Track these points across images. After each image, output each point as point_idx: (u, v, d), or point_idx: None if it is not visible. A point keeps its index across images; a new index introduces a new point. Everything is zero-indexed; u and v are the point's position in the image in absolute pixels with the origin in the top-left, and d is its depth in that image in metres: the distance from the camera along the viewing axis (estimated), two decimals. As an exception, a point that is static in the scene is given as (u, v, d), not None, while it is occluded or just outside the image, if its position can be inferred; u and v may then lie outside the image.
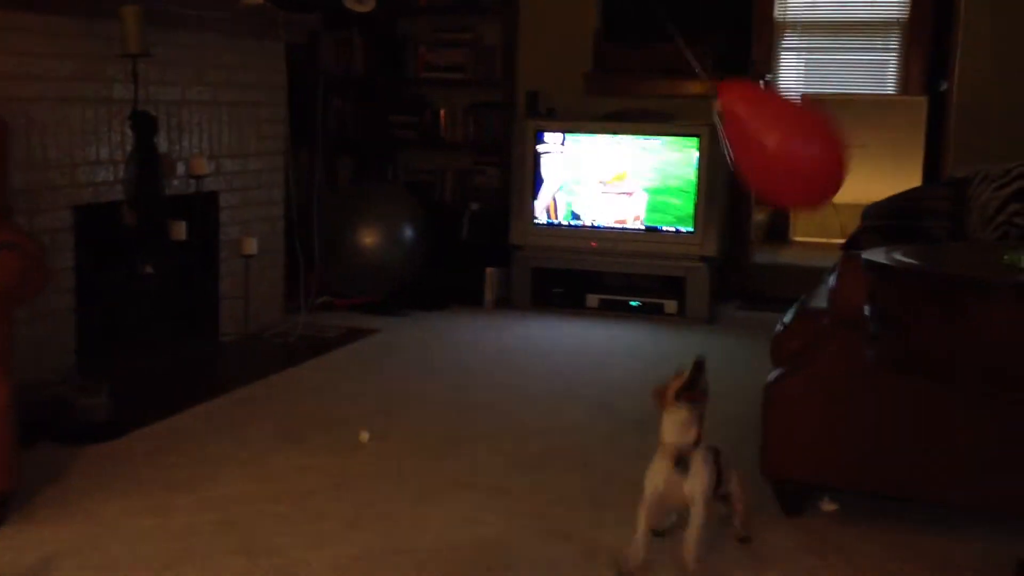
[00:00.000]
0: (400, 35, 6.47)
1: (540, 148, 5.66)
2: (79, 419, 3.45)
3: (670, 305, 5.51)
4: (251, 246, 4.77)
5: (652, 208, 5.53)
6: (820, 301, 3.08)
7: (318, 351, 4.65)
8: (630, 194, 5.56)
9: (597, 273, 5.69)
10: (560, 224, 5.67)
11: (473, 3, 6.28)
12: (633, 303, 5.57)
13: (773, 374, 3.03)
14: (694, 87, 6.02)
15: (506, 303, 5.74)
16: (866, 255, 2.46)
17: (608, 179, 5.59)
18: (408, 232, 5.59)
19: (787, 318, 3.22)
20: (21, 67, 3.67)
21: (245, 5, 4.66)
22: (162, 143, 4.16)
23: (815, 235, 6.84)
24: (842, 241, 3.83)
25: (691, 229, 5.46)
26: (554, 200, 5.68)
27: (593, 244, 5.61)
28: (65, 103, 3.85)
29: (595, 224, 5.62)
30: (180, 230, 4.29)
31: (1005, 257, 2.35)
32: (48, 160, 3.79)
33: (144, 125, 3.90)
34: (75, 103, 3.89)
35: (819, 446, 2.91)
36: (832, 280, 2.95)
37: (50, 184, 3.80)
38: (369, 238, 5.49)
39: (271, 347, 4.73)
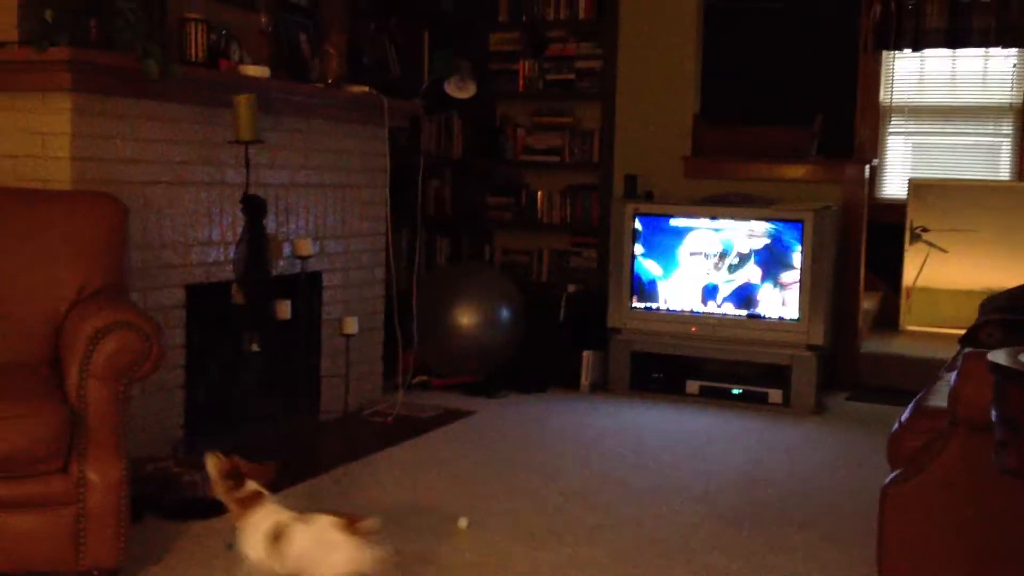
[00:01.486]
0: (499, 119, 6.56)
1: (637, 230, 5.63)
2: (184, 495, 3.48)
3: (774, 394, 5.38)
4: (352, 325, 4.82)
5: (756, 294, 5.44)
6: (940, 399, 2.96)
7: (415, 431, 4.64)
8: (732, 279, 5.49)
9: (697, 359, 5.59)
10: (659, 308, 5.61)
11: (571, 88, 6.34)
12: (735, 391, 5.46)
13: (890, 475, 2.92)
14: (796, 170, 5.97)
15: (603, 387, 5.68)
16: (991, 356, 2.36)
17: (709, 263, 5.53)
18: (504, 313, 5.59)
19: (904, 415, 3.10)
20: (139, 152, 3.79)
21: (351, 92, 4.77)
22: (270, 225, 4.25)
23: (926, 324, 6.64)
24: (958, 333, 3.71)
25: (797, 316, 5.35)
26: (653, 283, 5.63)
27: (693, 329, 5.53)
28: (179, 186, 3.97)
29: (695, 309, 5.55)
30: (285, 309, 4.36)
31: None
32: (163, 240, 3.90)
33: (254, 208, 3.99)
34: (189, 186, 4.01)
35: (940, 553, 2.78)
36: (953, 378, 2.84)
37: (164, 263, 3.90)
38: (466, 318, 5.51)
39: (369, 426, 4.74)
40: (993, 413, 2.35)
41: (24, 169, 3.54)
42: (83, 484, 2.74)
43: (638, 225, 5.63)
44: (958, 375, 2.80)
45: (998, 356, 2.37)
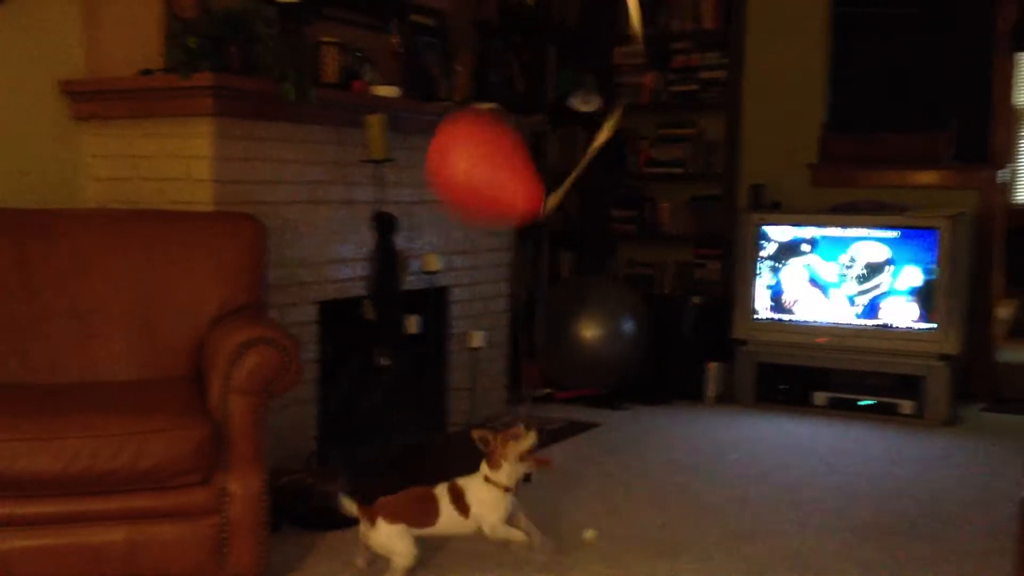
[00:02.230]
0: (622, 131, 6.57)
1: (763, 240, 5.58)
2: (318, 505, 3.56)
3: (905, 405, 5.25)
4: (478, 339, 4.91)
5: (886, 303, 5.33)
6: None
7: (540, 444, 4.66)
8: (862, 288, 5.39)
9: (824, 370, 5.50)
10: (786, 319, 5.54)
11: (695, 99, 6.33)
12: (865, 402, 5.34)
13: (1030, 488, 2.84)
14: (927, 177, 5.82)
15: (728, 398, 5.64)
16: None
17: (837, 273, 5.44)
18: (628, 325, 5.60)
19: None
20: (275, 173, 3.94)
21: (478, 109, 4.85)
22: (399, 241, 4.36)
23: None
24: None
25: (932, 325, 5.21)
26: (779, 294, 5.57)
27: (821, 340, 5.45)
28: (314, 205, 4.10)
29: (823, 320, 5.46)
30: (414, 324, 4.47)
31: None
32: (298, 258, 4.03)
33: (385, 225, 4.11)
34: (322, 205, 4.14)
35: (1084, 569, 2.68)
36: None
37: (299, 280, 4.04)
38: (590, 331, 5.54)
39: (496, 438, 4.81)
40: None
41: (170, 192, 3.73)
42: (225, 495, 2.84)
43: (764, 235, 5.58)
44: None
45: None
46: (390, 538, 3.04)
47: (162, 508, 2.80)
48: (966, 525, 3.67)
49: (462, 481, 3.16)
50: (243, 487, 2.85)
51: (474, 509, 3.10)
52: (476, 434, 3.16)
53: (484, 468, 3.14)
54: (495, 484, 3.11)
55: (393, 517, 3.05)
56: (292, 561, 3.21)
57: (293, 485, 3.62)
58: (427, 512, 3.10)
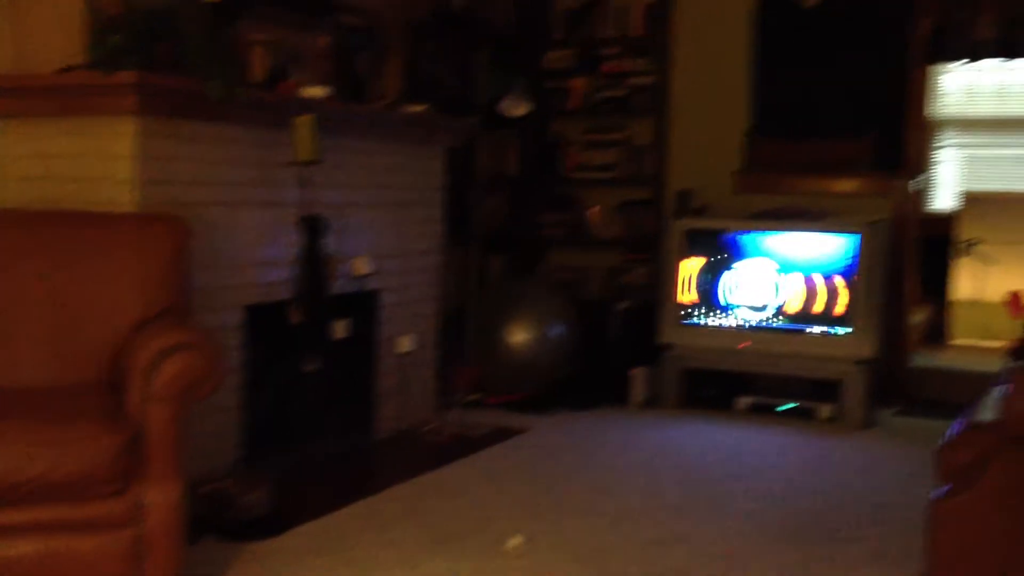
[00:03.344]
0: (552, 136, 6.62)
1: (689, 246, 5.65)
2: (240, 515, 3.52)
3: (824, 409, 5.37)
4: (407, 344, 4.90)
5: (807, 308, 5.44)
6: (988, 413, 2.96)
7: (468, 450, 4.69)
8: (783, 293, 5.49)
9: (748, 374, 5.60)
10: (710, 324, 5.63)
11: (624, 104, 6.39)
12: (784, 407, 5.45)
13: (940, 490, 2.92)
14: (847, 184, 5.96)
15: (654, 403, 5.71)
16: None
17: (760, 278, 5.54)
18: (557, 329, 5.64)
19: (953, 429, 3.10)
20: (202, 174, 3.88)
21: (408, 112, 4.86)
22: (328, 244, 4.32)
23: (975, 337, 6.59)
24: (1006, 346, 3.70)
25: (848, 330, 5.34)
26: (704, 299, 5.65)
27: (743, 345, 5.54)
28: (240, 207, 4.05)
29: (746, 324, 5.56)
30: (343, 328, 4.44)
31: None
32: (223, 261, 3.97)
33: (313, 228, 4.07)
34: (249, 207, 4.09)
35: (991, 568, 2.77)
36: (1001, 392, 2.84)
37: (224, 284, 3.98)
38: (519, 335, 5.57)
39: (423, 445, 4.80)
40: (1042, 429, 2.36)
41: (92, 192, 3.64)
42: (142, 506, 2.77)
43: (690, 240, 5.66)
44: (1010, 389, 2.81)
45: (1047, 372, 2.38)
46: None
47: (77, 520, 2.72)
48: (880, 527, 3.77)
49: None
50: (161, 497, 2.79)
51: None
52: None
53: None
54: None
55: None
56: (211, 573, 3.17)
57: (215, 494, 3.56)
58: None
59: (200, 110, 3.79)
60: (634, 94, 6.37)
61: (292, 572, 3.21)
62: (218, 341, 3.07)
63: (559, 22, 6.55)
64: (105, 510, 2.74)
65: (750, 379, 5.61)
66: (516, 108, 5.91)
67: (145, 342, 2.93)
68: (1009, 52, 6.32)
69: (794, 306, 5.47)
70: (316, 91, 4.31)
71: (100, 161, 3.64)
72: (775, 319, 5.50)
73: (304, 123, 3.98)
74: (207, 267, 3.89)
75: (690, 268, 5.66)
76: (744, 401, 5.55)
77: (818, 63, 6.48)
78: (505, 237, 6.48)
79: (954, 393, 5.13)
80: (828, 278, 5.40)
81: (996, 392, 2.97)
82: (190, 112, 3.78)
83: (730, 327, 5.58)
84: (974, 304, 6.67)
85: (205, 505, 3.49)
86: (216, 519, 3.48)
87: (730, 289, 5.61)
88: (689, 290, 5.66)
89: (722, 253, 5.62)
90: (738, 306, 5.57)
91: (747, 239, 5.58)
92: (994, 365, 4.34)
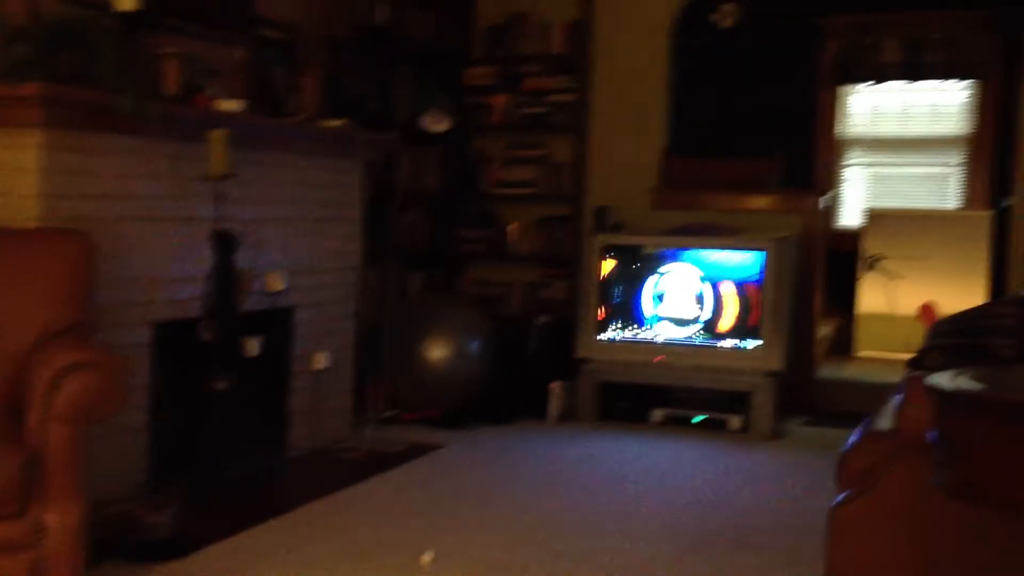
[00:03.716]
0: (473, 152, 6.66)
1: (607, 262, 5.72)
2: (146, 537, 3.45)
3: (735, 420, 5.48)
4: (322, 361, 4.86)
5: (718, 322, 5.54)
6: (886, 421, 3.05)
7: (384, 467, 4.66)
8: (697, 308, 5.59)
9: (662, 387, 5.68)
10: (625, 338, 5.70)
11: (544, 121, 6.46)
12: (696, 418, 5.55)
13: (838, 497, 3.00)
14: (759, 201, 6.09)
15: (571, 416, 5.75)
16: (930, 380, 2.45)
17: (674, 293, 5.63)
18: (475, 345, 5.66)
19: (852, 438, 3.19)
20: (111, 188, 3.80)
21: (327, 126, 4.84)
22: (241, 260, 4.26)
23: (880, 349, 6.77)
24: (907, 357, 3.80)
25: (757, 343, 5.45)
26: (619, 313, 5.72)
27: (657, 359, 5.62)
28: (151, 222, 3.98)
29: (660, 339, 5.64)
30: (254, 346, 4.39)
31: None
32: (129, 277, 3.89)
33: (225, 244, 4.02)
34: (160, 222, 4.02)
35: (886, 572, 2.85)
36: (897, 401, 2.93)
37: (132, 301, 3.90)
38: (437, 351, 5.57)
39: (338, 463, 4.76)
40: (932, 434, 2.43)
41: (-7, 207, 3.55)
42: (41, 529, 2.70)
43: (607, 256, 5.73)
44: (902, 398, 2.90)
45: (936, 379, 2.46)
46: None
47: (-28, 543, 2.65)
48: (786, 534, 3.84)
49: None
50: (61, 519, 2.72)
51: None
52: None
53: None
54: None
55: None
56: (116, 595, 3.12)
57: (120, 516, 3.48)
58: None
59: (109, 123, 3.72)
60: (554, 111, 6.44)
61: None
62: (123, 359, 3.01)
63: (481, 39, 6.60)
64: (3, 533, 2.68)
65: (665, 392, 5.69)
66: (437, 124, 5.95)
67: (46, 360, 2.85)
68: (912, 75, 6.53)
69: (707, 320, 5.56)
70: (231, 105, 4.26)
71: (4, 175, 3.55)
72: (688, 334, 5.58)
73: (218, 137, 3.95)
74: (115, 283, 3.80)
75: (607, 283, 5.72)
76: (658, 414, 5.63)
77: (732, 83, 6.64)
78: (425, 253, 6.49)
79: (859, 403, 5.22)
80: (738, 293, 5.51)
81: (893, 401, 3.06)
82: (99, 125, 3.71)
83: (646, 341, 5.66)
84: (880, 317, 6.86)
85: (109, 527, 3.39)
86: (120, 541, 3.39)
87: (645, 304, 5.68)
88: (606, 305, 5.72)
89: (638, 269, 5.69)
90: (659, 319, 5.65)
91: (661, 255, 5.67)
92: (897, 376, 4.45)
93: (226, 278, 4.05)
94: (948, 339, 3.46)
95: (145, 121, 3.79)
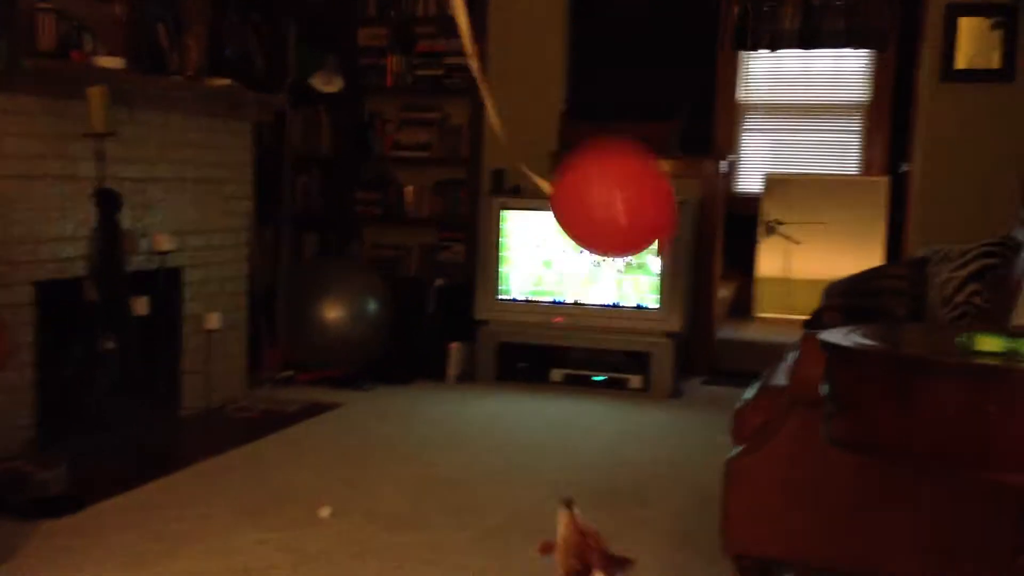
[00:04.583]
0: (367, 114, 6.55)
1: (504, 225, 5.71)
2: (35, 494, 3.41)
3: (635, 380, 5.54)
4: (214, 321, 4.77)
5: (617, 284, 5.58)
6: (781, 378, 3.11)
7: (279, 426, 4.62)
8: (595, 270, 5.62)
9: (562, 348, 5.70)
10: (524, 300, 5.71)
11: (439, 84, 6.38)
12: (597, 378, 5.59)
13: (733, 450, 3.05)
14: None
15: (470, 377, 5.75)
16: (824, 335, 2.49)
17: (573, 256, 5.64)
18: (372, 307, 5.60)
19: (748, 394, 3.25)
20: (-14, 144, 3.68)
21: (212, 85, 4.71)
22: (126, 220, 4.15)
23: (778, 311, 6.92)
24: (805, 318, 3.88)
25: (656, 305, 5.51)
26: (519, 275, 5.72)
27: (557, 319, 5.64)
28: (29, 180, 3.86)
29: (559, 300, 5.66)
30: (142, 305, 4.29)
31: (957, 339, 2.39)
32: (11, 236, 3.79)
33: (108, 202, 3.91)
34: (39, 180, 3.91)
35: (779, 522, 2.92)
36: (792, 358, 2.98)
37: (12, 260, 3.79)
38: (333, 312, 5.50)
39: (232, 422, 4.70)
40: (823, 388, 2.48)
41: None
42: None
43: (505, 219, 5.71)
44: (797, 355, 2.95)
45: (830, 335, 2.50)
46: None
47: None
48: (683, 489, 3.91)
49: None
50: None
51: None
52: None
53: None
54: None
55: None
56: (4, 552, 3.03)
57: (8, 473, 3.45)
58: None
59: (-17, 79, 3.58)
60: (450, 73, 6.36)
61: (90, 548, 3.09)
62: (4, 318, 2.90)
63: (373, -1, 6.47)
64: None
65: (564, 353, 5.72)
66: (328, 84, 5.84)
67: (-81, 317, 2.75)
68: (810, 42, 6.64)
69: (606, 282, 5.59)
70: (110, 62, 4.14)
71: None
72: (588, 295, 5.61)
73: (96, 94, 3.82)
74: (-6, 242, 3.70)
75: (505, 246, 5.70)
76: (558, 373, 5.66)
77: (632, 47, 6.66)
78: (319, 216, 6.38)
79: (757, 363, 5.31)
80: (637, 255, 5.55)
81: (789, 358, 3.12)
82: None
83: (544, 303, 5.67)
84: (778, 280, 7.01)
85: (-2, 485, 3.34)
86: (10, 498, 3.34)
87: (544, 266, 5.69)
88: (505, 267, 5.71)
89: (535, 232, 5.69)
90: (552, 283, 5.66)
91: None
92: (794, 336, 4.56)
93: (110, 237, 3.94)
94: (844, 299, 3.55)
95: (19, 77, 3.67)
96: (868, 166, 6.96)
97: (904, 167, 6.46)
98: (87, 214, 4.03)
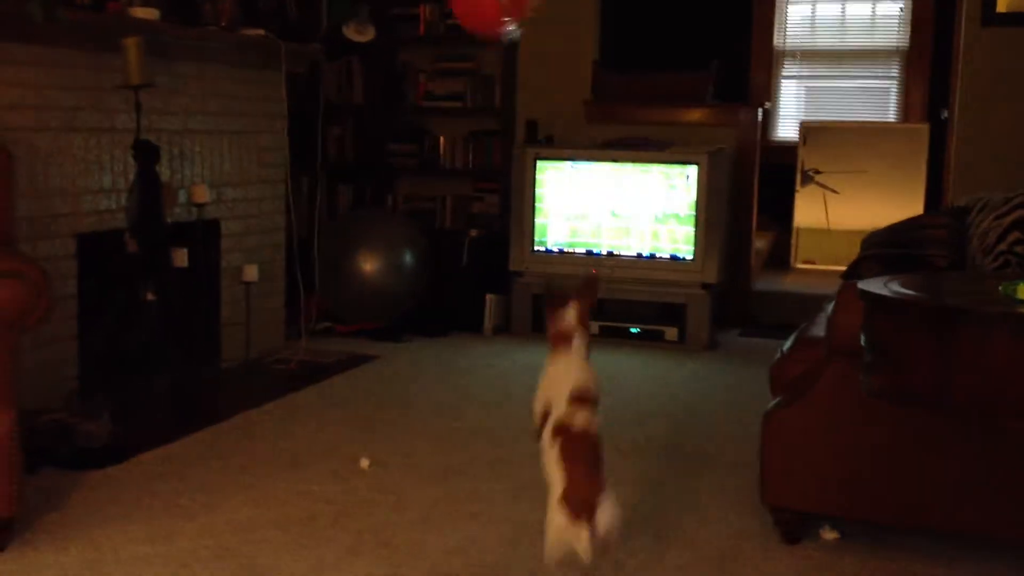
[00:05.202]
0: (400, 64, 6.52)
1: (539, 175, 5.69)
2: (80, 445, 3.46)
3: (671, 332, 5.52)
4: (252, 273, 4.81)
5: (652, 235, 5.56)
6: (819, 330, 3.09)
7: (318, 377, 4.66)
8: (630, 221, 5.59)
9: (598, 300, 5.68)
10: (559, 251, 5.70)
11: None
12: (633, 330, 5.58)
13: (771, 403, 3.04)
14: (693, 114, 6.07)
15: (506, 329, 5.76)
16: (862, 285, 2.48)
17: (607, 206, 5.62)
18: (408, 258, 5.61)
19: (786, 346, 3.24)
20: (25, 98, 3.71)
21: (246, 36, 4.70)
22: (164, 172, 4.20)
23: (816, 262, 6.87)
24: (843, 269, 3.85)
25: (691, 256, 5.48)
26: (554, 226, 5.71)
27: (593, 271, 5.62)
28: (68, 133, 3.89)
29: (594, 251, 5.65)
30: (182, 257, 4.33)
31: (1000, 288, 2.37)
32: (51, 189, 3.82)
33: (146, 154, 3.93)
34: (78, 132, 3.94)
35: (818, 475, 2.92)
36: (831, 309, 2.97)
37: (53, 212, 3.83)
38: (369, 264, 5.52)
39: (271, 373, 4.75)
40: (862, 338, 2.47)
41: (-98, 117, 3.44)
42: None
43: (539, 169, 5.69)
44: (835, 305, 2.93)
45: (869, 284, 2.49)
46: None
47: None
48: (721, 440, 3.91)
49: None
50: None
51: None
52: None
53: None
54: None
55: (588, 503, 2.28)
56: (51, 502, 3.10)
57: (53, 425, 3.50)
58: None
59: (21, 32, 3.61)
60: (483, 22, 6.29)
61: (135, 498, 3.15)
62: (47, 270, 2.93)
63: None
64: (-65, 442, 2.65)
65: (600, 305, 5.70)
66: (361, 34, 5.80)
67: (-33, 270, 2.79)
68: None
69: (641, 233, 5.57)
70: (146, 12, 4.15)
71: (-88, 85, 3.44)
72: (623, 246, 5.59)
73: (132, 45, 3.83)
74: (36, 195, 3.75)
75: (538, 196, 5.68)
76: (593, 326, 5.61)
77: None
78: (353, 167, 6.38)
79: (795, 314, 5.30)
80: (672, 205, 5.51)
81: (827, 309, 3.10)
82: (10, 34, 3.60)
83: (579, 254, 5.66)
84: (816, 230, 6.95)
85: (43, 436, 3.40)
86: (55, 449, 3.40)
87: (579, 217, 5.67)
88: (539, 218, 5.70)
89: (570, 182, 5.66)
90: (587, 234, 5.64)
91: (594, 168, 5.64)
92: (832, 287, 4.53)
93: (149, 189, 3.96)
94: (883, 249, 3.51)
95: (57, 30, 3.68)
96: (907, 113, 6.86)
97: (944, 114, 6.36)
98: (126, 166, 4.07)
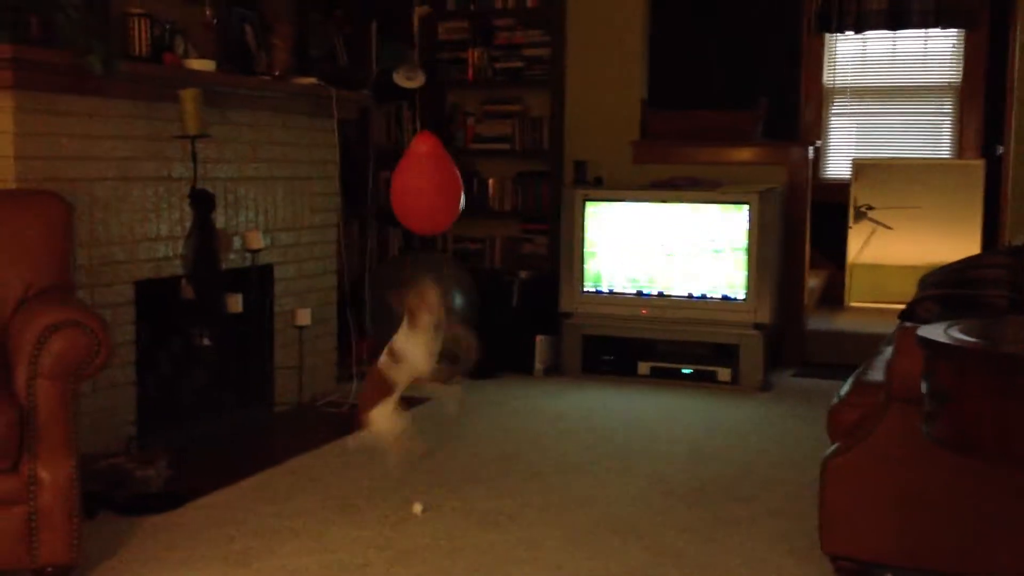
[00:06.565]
0: (449, 107, 6.58)
1: (588, 216, 5.69)
2: (137, 490, 3.50)
3: (723, 373, 5.47)
4: (305, 317, 4.85)
5: (703, 275, 5.53)
6: (877, 373, 3.05)
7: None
8: (680, 261, 5.56)
9: (648, 340, 5.66)
10: (610, 292, 5.68)
11: (519, 76, 6.38)
12: (685, 371, 5.54)
13: (830, 448, 3.00)
14: (742, 153, 6.05)
15: (556, 371, 5.75)
16: (922, 332, 2.44)
17: (657, 247, 5.60)
18: (457, 300, 5.62)
19: (843, 390, 3.19)
20: (84, 149, 3.79)
21: (299, 84, 4.77)
22: (219, 218, 4.25)
23: (871, 300, 6.78)
24: (899, 307, 3.80)
25: (743, 296, 5.44)
26: (604, 267, 5.70)
27: (644, 312, 5.61)
28: (126, 182, 3.97)
29: (645, 292, 5.62)
30: (236, 303, 4.38)
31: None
32: (110, 237, 3.90)
33: (202, 202, 3.99)
34: (136, 182, 4.01)
35: (878, 523, 2.87)
36: (889, 352, 2.92)
37: (112, 260, 3.90)
38: (420, 307, 5.52)
39: (324, 416, 4.77)
40: (923, 385, 2.43)
41: (-32, 170, 3.52)
42: (34, 483, 2.75)
43: (588, 210, 5.69)
44: (894, 350, 2.89)
45: (928, 331, 2.44)
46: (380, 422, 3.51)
47: (-32, 499, 2.68)
48: (777, 485, 3.86)
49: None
50: (52, 474, 2.77)
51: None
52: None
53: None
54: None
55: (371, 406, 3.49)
56: (109, 548, 3.13)
57: (111, 470, 3.55)
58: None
59: (80, 84, 3.70)
60: (530, 65, 6.35)
61: (191, 545, 3.17)
62: (105, 317, 2.99)
63: (453, -8, 6.49)
64: (-1, 486, 2.71)
65: (650, 345, 5.68)
66: (411, 80, 5.85)
67: (29, 320, 2.85)
68: (897, 22, 6.49)
69: (692, 273, 5.54)
70: (201, 64, 4.23)
71: (-23, 138, 3.52)
72: (674, 287, 5.56)
73: (189, 96, 3.90)
74: (95, 243, 3.83)
75: (588, 237, 5.68)
76: (644, 366, 5.62)
77: (713, 32, 6.57)
78: (404, 210, 6.40)
79: (850, 354, 5.26)
80: (722, 245, 5.48)
81: (885, 353, 3.05)
82: (70, 86, 3.69)
83: (630, 295, 5.64)
84: (871, 267, 6.87)
85: (101, 481, 3.45)
86: (112, 495, 3.44)
87: (628, 257, 5.65)
88: (589, 259, 5.69)
89: (619, 223, 5.65)
90: (637, 275, 5.62)
91: (643, 209, 5.63)
92: (888, 326, 4.46)
93: (205, 236, 4.01)
94: (941, 290, 3.46)
95: (115, 82, 3.77)
96: (962, 149, 6.78)
97: (1000, 150, 6.28)
98: (182, 214, 4.14)
